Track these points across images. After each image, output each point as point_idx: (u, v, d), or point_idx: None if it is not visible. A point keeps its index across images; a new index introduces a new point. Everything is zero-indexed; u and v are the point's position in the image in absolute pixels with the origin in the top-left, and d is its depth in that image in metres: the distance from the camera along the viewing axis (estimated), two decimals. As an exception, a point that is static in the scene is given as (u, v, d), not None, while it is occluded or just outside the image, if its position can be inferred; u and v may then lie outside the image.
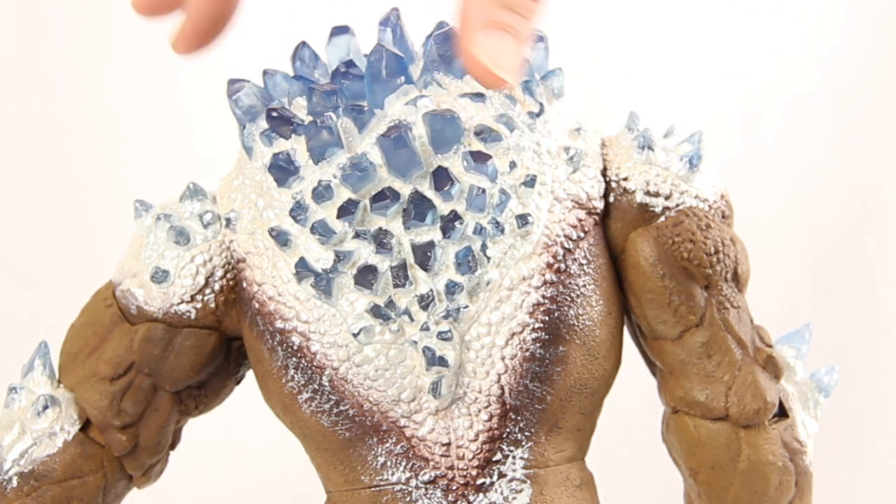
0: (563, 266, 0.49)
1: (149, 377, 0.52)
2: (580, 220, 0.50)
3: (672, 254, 0.51)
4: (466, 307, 0.48)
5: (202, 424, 0.58)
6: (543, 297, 0.48)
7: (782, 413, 0.52)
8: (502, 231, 0.48)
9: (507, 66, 0.43)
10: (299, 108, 0.50)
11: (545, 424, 0.49)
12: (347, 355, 0.48)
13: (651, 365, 0.54)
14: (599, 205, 0.51)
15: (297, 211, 0.48)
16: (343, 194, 0.47)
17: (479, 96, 0.49)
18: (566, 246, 0.49)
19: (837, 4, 1.07)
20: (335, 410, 0.49)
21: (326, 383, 0.49)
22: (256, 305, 0.50)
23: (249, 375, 0.54)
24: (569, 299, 0.49)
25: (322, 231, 0.47)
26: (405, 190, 0.47)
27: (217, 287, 0.52)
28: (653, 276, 0.51)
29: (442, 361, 0.48)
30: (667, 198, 0.51)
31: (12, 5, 1.03)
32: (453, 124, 0.47)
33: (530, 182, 0.48)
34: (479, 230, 0.47)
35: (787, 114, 1.08)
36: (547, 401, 0.49)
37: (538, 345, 0.48)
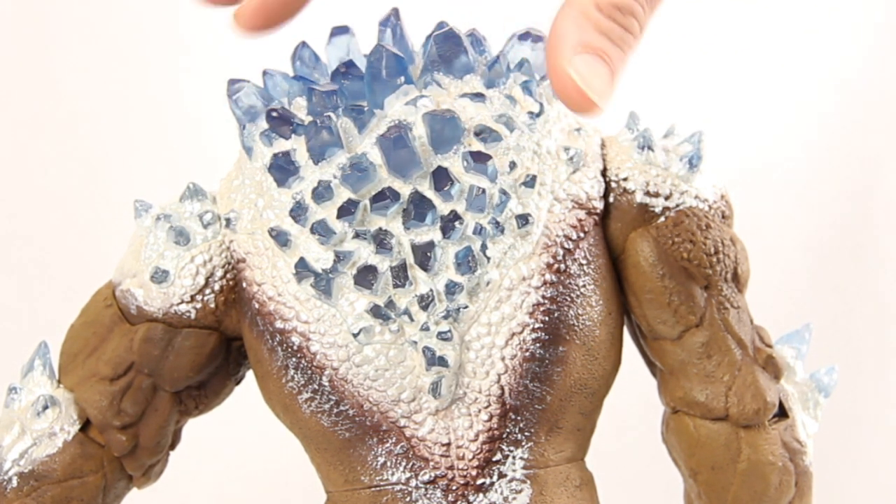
0: (562, 266, 0.49)
1: (149, 377, 0.52)
2: (580, 221, 0.50)
3: (672, 254, 0.51)
4: (466, 307, 0.48)
5: (202, 424, 0.58)
6: (543, 297, 0.48)
7: (782, 413, 0.52)
8: (502, 231, 0.48)
9: (599, 89, 0.41)
10: (299, 109, 0.50)
11: (545, 425, 0.49)
12: (347, 355, 0.48)
13: (651, 365, 0.54)
14: (599, 205, 0.51)
15: (297, 211, 0.48)
16: (343, 194, 0.47)
17: (478, 96, 0.49)
18: (566, 246, 0.49)
19: (839, 6, 1.07)
20: (335, 410, 0.49)
21: (326, 383, 0.49)
22: (256, 305, 0.50)
23: (249, 375, 0.54)
24: (569, 299, 0.49)
25: (322, 231, 0.47)
26: (405, 190, 0.47)
27: (217, 287, 0.52)
28: (653, 276, 0.51)
29: (442, 361, 0.48)
30: (667, 198, 0.51)
31: (14, 5, 1.03)
32: (453, 124, 0.47)
33: (530, 182, 0.48)
34: (478, 230, 0.47)
35: (787, 114, 1.08)
36: (547, 401, 0.49)
37: (538, 345, 0.48)
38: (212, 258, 0.52)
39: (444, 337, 0.48)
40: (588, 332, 0.50)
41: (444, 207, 0.47)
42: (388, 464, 0.49)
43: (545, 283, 0.48)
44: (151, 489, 0.56)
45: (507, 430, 0.49)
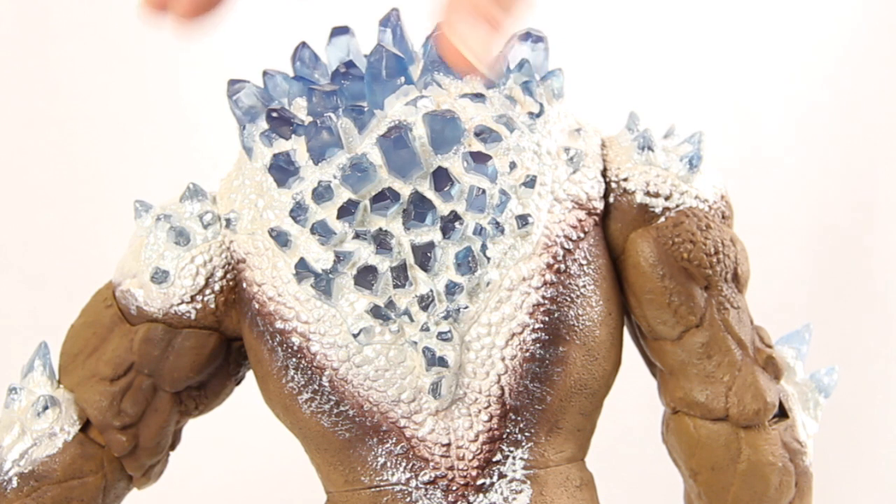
0: (562, 266, 0.49)
1: (149, 378, 0.52)
2: (580, 221, 0.50)
3: (672, 254, 0.51)
4: (466, 308, 0.48)
5: (202, 424, 0.58)
6: (543, 297, 0.48)
7: (782, 413, 0.52)
8: (502, 231, 0.48)
9: (477, 50, 0.43)
10: (299, 109, 0.50)
11: (545, 425, 0.49)
12: (347, 356, 0.48)
13: (651, 365, 0.54)
14: (599, 205, 0.51)
15: (297, 211, 0.48)
16: (343, 195, 0.47)
17: (479, 97, 0.49)
18: (566, 246, 0.49)
19: (839, 7, 1.07)
20: (335, 411, 0.49)
21: (326, 384, 0.49)
22: (256, 306, 0.50)
23: (249, 376, 0.54)
24: (569, 300, 0.49)
25: (322, 231, 0.47)
26: (405, 190, 0.47)
27: (217, 287, 0.52)
28: (653, 276, 0.51)
29: (442, 362, 0.48)
30: (667, 198, 0.51)
31: (12, 5, 1.03)
32: (453, 125, 0.47)
33: (530, 182, 0.48)
34: (479, 231, 0.47)
35: (788, 114, 1.08)
36: (547, 401, 0.49)
37: (538, 345, 0.48)
38: (212, 258, 0.51)
39: (444, 337, 0.48)
40: (588, 333, 0.50)
41: (444, 208, 0.47)
42: (389, 464, 0.49)
43: (545, 283, 0.48)
44: (151, 489, 0.56)
45: (508, 430, 0.49)
